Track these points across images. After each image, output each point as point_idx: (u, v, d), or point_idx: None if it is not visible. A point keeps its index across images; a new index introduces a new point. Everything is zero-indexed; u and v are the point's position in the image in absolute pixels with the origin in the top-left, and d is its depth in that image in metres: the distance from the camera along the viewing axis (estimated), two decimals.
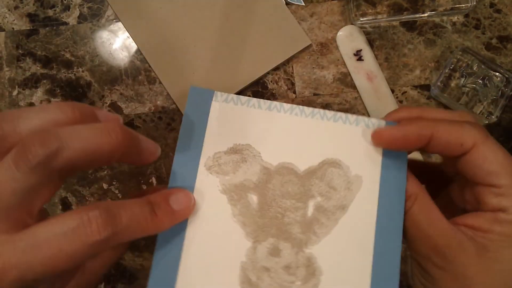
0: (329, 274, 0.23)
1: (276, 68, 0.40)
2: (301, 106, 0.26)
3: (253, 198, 0.25)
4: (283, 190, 0.25)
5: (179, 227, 0.24)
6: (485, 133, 0.23)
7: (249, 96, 0.40)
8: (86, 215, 0.19)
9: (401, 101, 0.40)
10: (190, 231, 0.24)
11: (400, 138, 0.24)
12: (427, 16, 0.40)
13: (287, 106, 0.26)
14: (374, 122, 0.25)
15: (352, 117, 0.25)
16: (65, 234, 0.19)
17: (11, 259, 0.18)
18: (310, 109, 0.26)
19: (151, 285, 0.24)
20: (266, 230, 0.24)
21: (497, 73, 0.38)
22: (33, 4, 0.41)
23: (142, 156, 0.24)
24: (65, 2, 0.41)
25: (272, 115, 0.26)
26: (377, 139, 0.24)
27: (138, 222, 0.21)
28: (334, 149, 0.25)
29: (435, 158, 0.39)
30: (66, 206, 0.39)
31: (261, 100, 0.26)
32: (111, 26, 0.41)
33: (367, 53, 0.40)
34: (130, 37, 0.41)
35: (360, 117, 0.25)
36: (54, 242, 0.19)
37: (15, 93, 0.40)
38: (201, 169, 0.25)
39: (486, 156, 0.23)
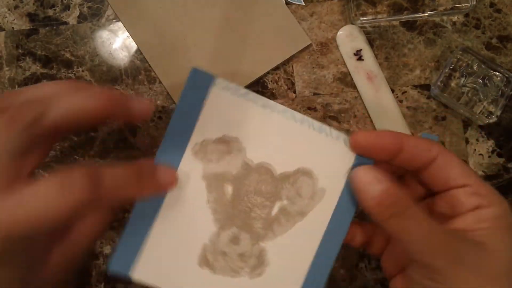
0: (274, 267, 0.26)
1: (276, 68, 0.40)
2: (293, 111, 0.27)
3: (229, 189, 0.27)
4: (257, 187, 0.27)
5: (155, 202, 0.26)
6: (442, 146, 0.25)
7: None
8: (70, 175, 0.20)
9: (401, 101, 0.40)
10: (164, 207, 0.26)
11: (376, 143, 0.25)
12: (427, 15, 0.40)
13: (280, 107, 0.27)
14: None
15: (334, 131, 0.27)
16: (50, 193, 0.20)
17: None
18: (301, 115, 0.27)
19: (116, 255, 0.25)
20: (233, 220, 0.27)
21: (497, 73, 0.38)
22: (33, 4, 0.41)
23: (133, 114, 0.24)
24: (65, 1, 0.41)
25: (265, 113, 0.27)
26: (354, 141, 0.26)
27: (122, 185, 0.22)
28: (311, 159, 0.27)
29: None
30: None
31: (259, 96, 0.27)
32: (111, 25, 0.41)
33: (367, 52, 0.40)
34: (130, 36, 0.41)
35: (341, 134, 0.27)
36: (40, 200, 0.20)
37: None
38: (188, 152, 0.26)
39: (453, 160, 0.24)
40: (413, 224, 0.23)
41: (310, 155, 0.27)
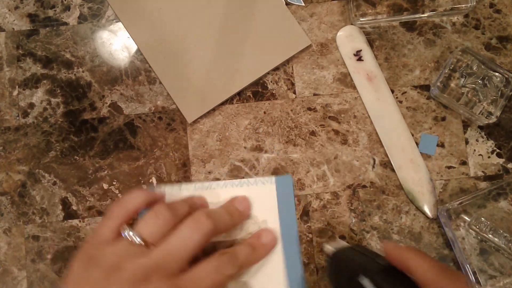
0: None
1: (276, 68, 0.40)
2: (211, 182, 0.38)
3: None
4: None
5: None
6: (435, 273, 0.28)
7: (249, 96, 0.40)
8: (223, 258, 0.31)
9: (400, 101, 0.40)
10: None
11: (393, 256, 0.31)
12: (427, 16, 0.40)
13: (205, 184, 0.37)
14: (267, 180, 0.38)
15: (252, 180, 0.38)
16: (213, 270, 0.30)
17: None
18: (220, 182, 0.38)
19: None
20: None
21: (496, 73, 0.38)
22: (34, 4, 0.42)
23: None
24: (65, 2, 0.42)
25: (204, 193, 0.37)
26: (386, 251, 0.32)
27: (249, 259, 0.34)
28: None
29: None
30: (66, 205, 0.39)
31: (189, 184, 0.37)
32: (111, 26, 0.41)
33: (367, 53, 0.40)
34: (130, 37, 0.41)
35: (258, 179, 0.38)
36: (209, 275, 0.30)
37: (15, 93, 0.40)
38: None
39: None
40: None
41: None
